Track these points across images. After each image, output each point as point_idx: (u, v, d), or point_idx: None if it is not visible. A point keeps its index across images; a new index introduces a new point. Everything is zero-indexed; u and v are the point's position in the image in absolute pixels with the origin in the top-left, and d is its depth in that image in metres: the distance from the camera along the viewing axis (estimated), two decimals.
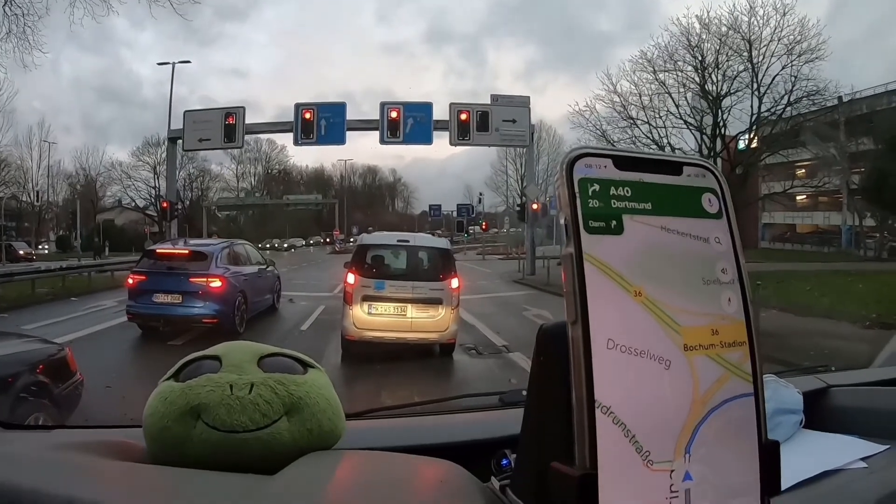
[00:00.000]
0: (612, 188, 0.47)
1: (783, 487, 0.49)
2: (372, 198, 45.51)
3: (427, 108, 22.02)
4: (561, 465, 0.44)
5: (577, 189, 0.46)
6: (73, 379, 3.03)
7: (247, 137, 23.46)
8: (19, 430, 1.00)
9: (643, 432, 0.44)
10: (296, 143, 21.98)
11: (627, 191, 0.47)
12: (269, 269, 11.22)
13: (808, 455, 0.88)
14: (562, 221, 0.46)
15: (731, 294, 0.49)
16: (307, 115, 21.51)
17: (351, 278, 7.13)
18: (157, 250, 9.26)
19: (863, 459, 0.87)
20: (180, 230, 22.78)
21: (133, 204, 35.27)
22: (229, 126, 21.56)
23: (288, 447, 0.68)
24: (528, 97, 23.40)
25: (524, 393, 1.38)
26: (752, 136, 21.71)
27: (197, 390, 0.68)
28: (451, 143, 22.19)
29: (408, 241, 7.69)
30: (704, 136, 21.79)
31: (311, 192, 42.08)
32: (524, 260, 21.25)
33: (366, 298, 7.02)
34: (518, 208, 23.40)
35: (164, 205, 22.35)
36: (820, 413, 1.08)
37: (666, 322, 0.46)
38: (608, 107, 22.13)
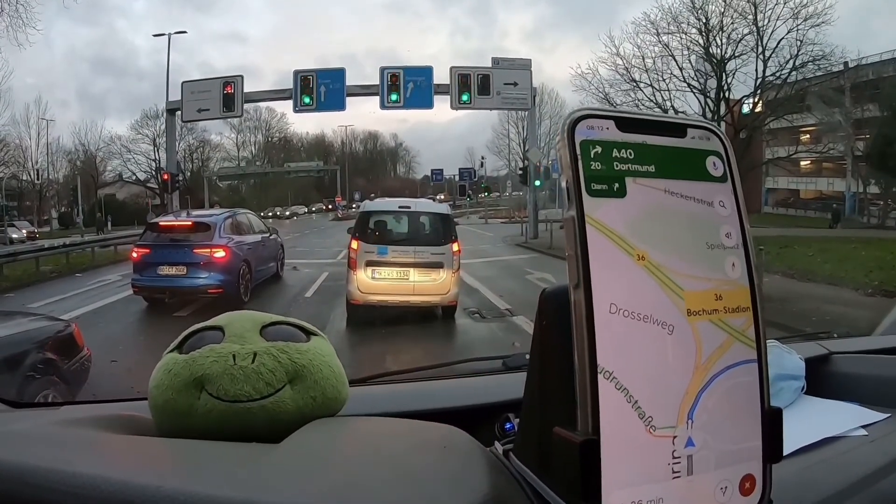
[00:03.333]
0: (615, 150, 0.46)
1: (784, 453, 0.49)
2: (373, 163, 44.98)
3: (427, 71, 21.71)
4: (563, 431, 0.44)
5: (578, 151, 0.45)
6: (80, 355, 3.05)
7: (246, 106, 23.28)
8: (28, 409, 1.00)
9: (645, 398, 0.44)
10: (295, 110, 21.80)
11: (630, 153, 0.46)
12: (272, 236, 11.32)
13: (808, 421, 0.88)
14: (563, 184, 0.45)
15: (736, 259, 0.48)
16: (306, 82, 21.25)
17: (355, 244, 7.31)
18: (161, 223, 9.29)
19: (863, 427, 0.87)
20: (182, 201, 22.80)
21: (134, 177, 35.01)
22: (227, 95, 21.29)
23: (292, 415, 0.68)
24: (530, 60, 23.18)
25: (527, 357, 1.39)
26: (756, 99, 21.35)
27: (200, 361, 0.68)
28: (453, 107, 22.02)
29: (409, 207, 7.87)
30: (708, 100, 21.46)
31: (313, 159, 41.64)
32: (527, 223, 21.24)
33: (369, 264, 7.18)
34: (520, 172, 23.33)
35: (165, 177, 22.18)
36: (821, 379, 1.07)
37: (669, 287, 0.45)
38: (611, 69, 21.86)
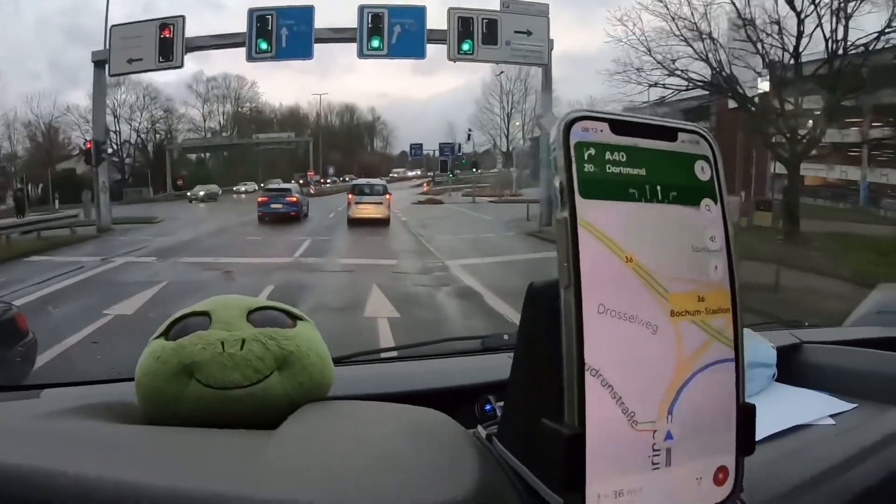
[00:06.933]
0: (608, 153, 0.47)
1: (756, 439, 0.52)
2: (349, 137, 43.62)
3: (419, 12, 17.80)
4: (550, 423, 0.46)
5: (573, 153, 0.45)
6: (25, 340, 2.77)
7: (214, 74, 21.80)
8: (9, 391, 0.99)
9: (629, 394, 0.46)
10: (249, 58, 17.87)
11: (622, 156, 0.47)
12: (305, 197, 23.21)
13: (779, 408, 0.92)
14: (556, 185, 0.45)
15: (718, 262, 0.50)
16: (263, 23, 17.30)
17: (350, 196, 19.41)
18: (270, 187, 22.85)
19: (831, 416, 0.91)
20: (138, 176, 22.39)
21: None
22: (165, 41, 17.12)
23: (280, 401, 0.69)
24: (547, 4, 18.42)
25: (505, 337, 1.42)
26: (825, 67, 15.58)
27: (189, 349, 0.69)
28: (450, 58, 18.00)
29: (370, 181, 20.68)
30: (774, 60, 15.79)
31: (285, 131, 40.25)
32: (531, 205, 17.91)
33: (356, 202, 18.87)
34: (531, 140, 22.26)
35: (88, 145, 17.96)
36: (792, 368, 1.11)
37: (655, 288, 0.47)
38: (658, 17, 15.94)
